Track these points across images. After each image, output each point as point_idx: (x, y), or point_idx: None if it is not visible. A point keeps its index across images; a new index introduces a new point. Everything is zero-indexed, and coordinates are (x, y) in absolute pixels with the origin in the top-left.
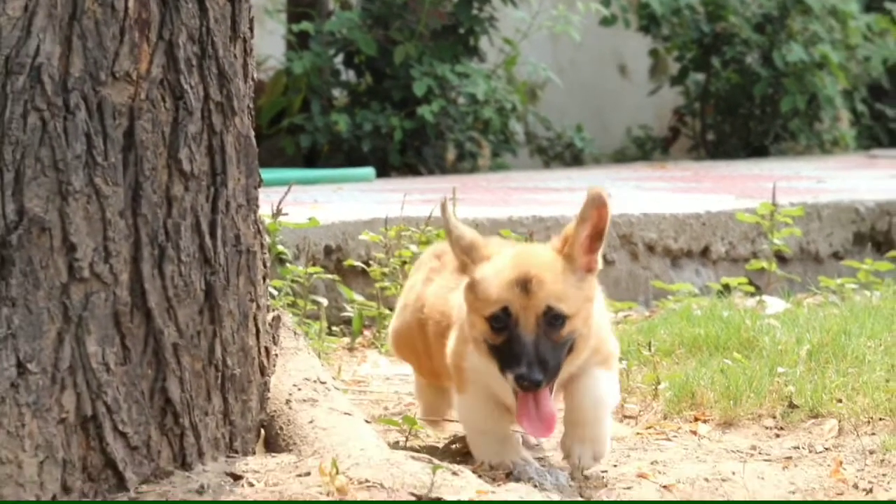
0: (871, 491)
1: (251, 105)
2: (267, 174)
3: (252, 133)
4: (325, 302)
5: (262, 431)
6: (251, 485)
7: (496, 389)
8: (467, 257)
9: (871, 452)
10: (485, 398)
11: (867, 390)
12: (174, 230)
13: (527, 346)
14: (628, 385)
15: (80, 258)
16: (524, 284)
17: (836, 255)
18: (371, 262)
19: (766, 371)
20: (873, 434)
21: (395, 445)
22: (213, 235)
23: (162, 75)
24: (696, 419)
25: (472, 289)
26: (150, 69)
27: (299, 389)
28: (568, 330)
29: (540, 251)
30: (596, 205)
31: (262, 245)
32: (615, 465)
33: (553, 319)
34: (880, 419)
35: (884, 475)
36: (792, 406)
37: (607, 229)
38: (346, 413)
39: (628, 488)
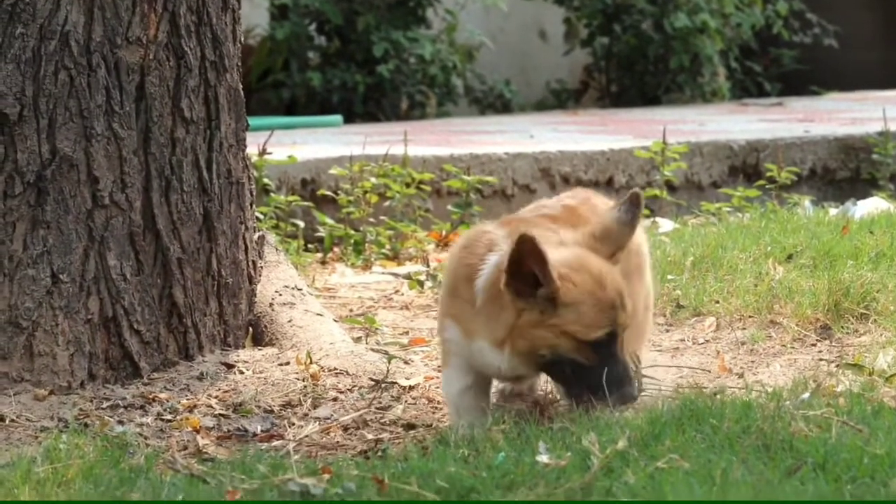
0: (742, 375)
1: (240, 64)
2: (254, 121)
3: (240, 86)
4: (301, 224)
5: (250, 329)
6: (241, 372)
7: (478, 363)
8: (559, 279)
9: (743, 343)
10: (465, 373)
11: (739, 293)
12: (178, 165)
13: (627, 366)
14: None
15: (102, 189)
16: (624, 304)
17: (715, 185)
18: (339, 191)
19: (657, 278)
20: (744, 329)
21: (358, 340)
22: (209, 170)
23: (167, 39)
24: None
25: (562, 309)
26: (157, 35)
27: (280, 295)
28: None
29: (600, 259)
30: (635, 206)
31: (249, 178)
32: None
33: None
34: (750, 317)
35: (752, 362)
36: (679, 306)
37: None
38: (318, 314)
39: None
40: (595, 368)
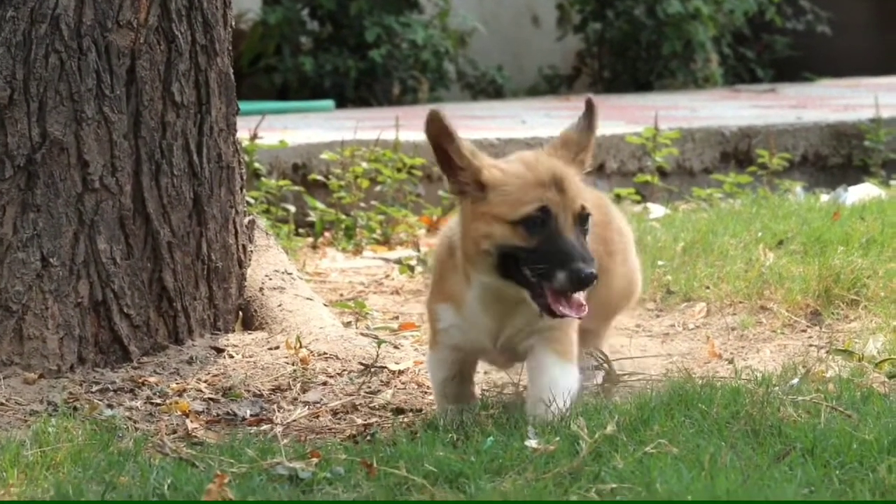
0: (732, 360)
1: (231, 48)
2: (246, 105)
3: (231, 71)
4: (292, 209)
5: (240, 313)
6: (231, 356)
7: (469, 345)
8: (475, 159)
9: (733, 329)
10: (452, 362)
11: (730, 279)
12: (168, 150)
13: (574, 243)
14: None
15: (92, 172)
16: (559, 183)
17: (706, 170)
18: (330, 176)
19: (648, 263)
20: (734, 314)
21: (347, 325)
22: (199, 154)
23: (157, 23)
24: None
25: (489, 193)
26: (147, 18)
27: (270, 279)
28: (587, 230)
29: (547, 154)
30: (591, 112)
31: (239, 162)
32: None
33: (584, 220)
34: (740, 302)
35: (742, 347)
36: (669, 292)
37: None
38: (308, 298)
39: None
40: (539, 251)
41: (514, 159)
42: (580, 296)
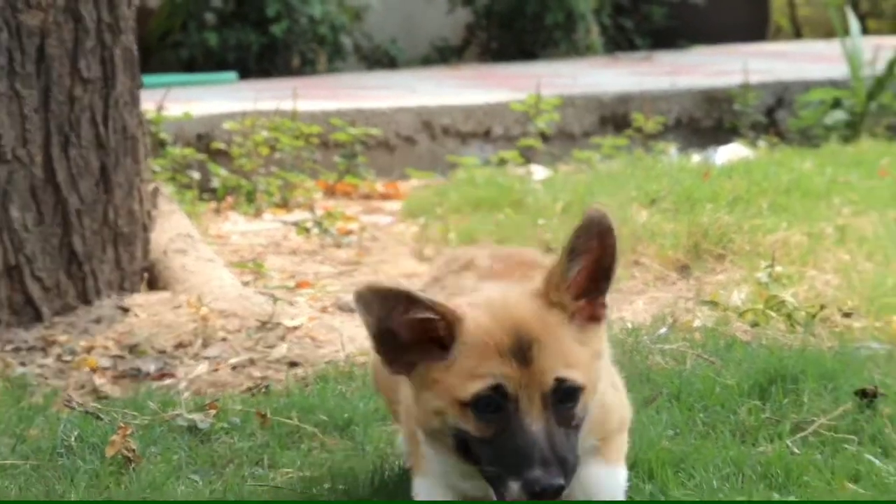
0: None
1: (135, 25)
2: (154, 79)
3: (135, 47)
4: (197, 176)
5: (146, 275)
6: (137, 315)
7: (458, 480)
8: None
9: None
10: (444, 489)
11: None
12: (76, 122)
13: (536, 438)
14: (426, 235)
15: (5, 145)
16: (524, 350)
17: (586, 134)
18: (232, 144)
19: (530, 223)
20: None
21: (246, 284)
22: (105, 126)
23: (65, 3)
24: None
25: (454, 351)
26: None
27: (173, 242)
28: (582, 406)
29: (523, 299)
30: (596, 231)
31: (143, 133)
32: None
33: (565, 396)
34: None
35: (617, 300)
36: (549, 249)
37: (616, 264)
38: (209, 260)
39: None
40: (494, 444)
41: (482, 303)
42: None
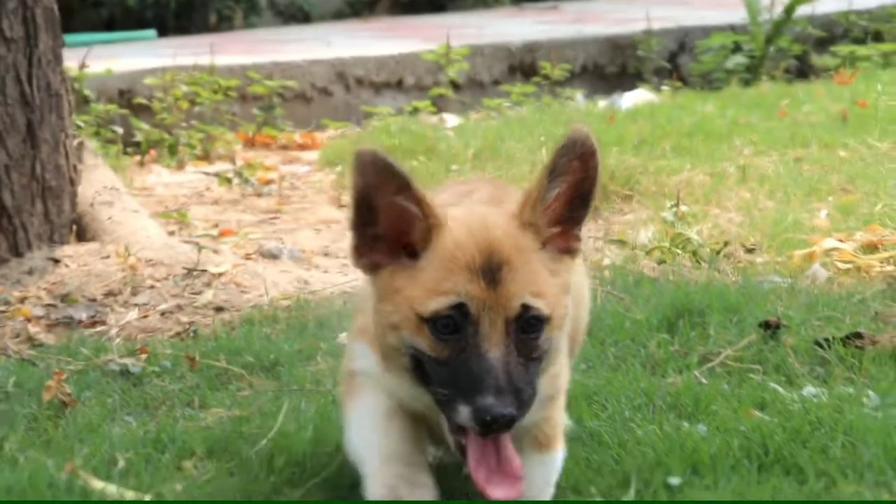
0: None
1: None
2: (76, 38)
3: (56, 7)
4: (120, 130)
5: (74, 227)
6: (67, 266)
7: (406, 400)
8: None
9: None
10: (384, 411)
11: (516, 180)
12: (1, 81)
13: (493, 364)
14: (343, 183)
15: None
16: (493, 271)
17: (496, 82)
18: (153, 99)
19: (442, 169)
20: None
21: (172, 234)
22: (30, 84)
23: None
24: None
25: (422, 260)
26: None
27: (100, 195)
28: (545, 339)
29: (502, 220)
30: (579, 152)
31: (67, 90)
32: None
33: (528, 325)
34: None
35: None
36: None
37: (595, 189)
38: (135, 211)
39: None
40: (448, 367)
41: (461, 216)
42: (514, 462)
